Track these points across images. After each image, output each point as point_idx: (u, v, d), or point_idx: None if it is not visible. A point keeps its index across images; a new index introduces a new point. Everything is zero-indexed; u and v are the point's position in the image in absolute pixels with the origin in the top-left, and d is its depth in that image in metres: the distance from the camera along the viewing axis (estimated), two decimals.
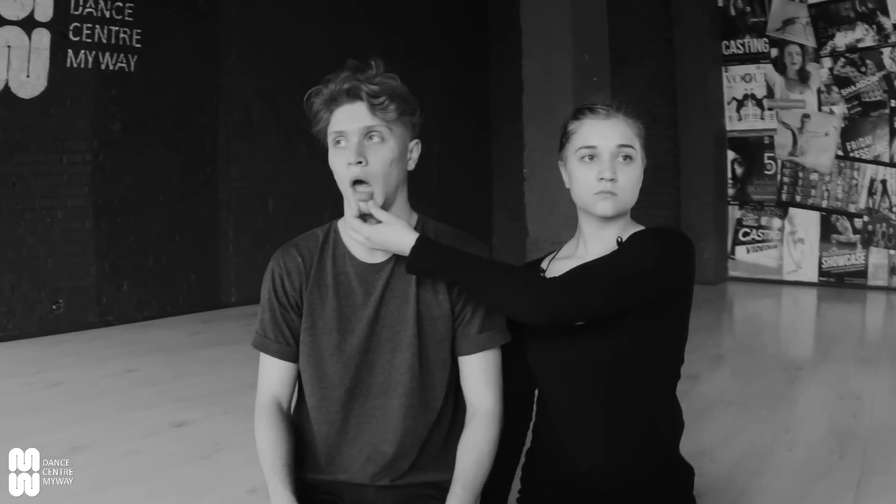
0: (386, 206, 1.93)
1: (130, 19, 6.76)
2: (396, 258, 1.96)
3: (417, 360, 1.96)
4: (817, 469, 3.26)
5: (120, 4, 6.66)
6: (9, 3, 6.06)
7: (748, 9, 9.46)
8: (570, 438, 1.97)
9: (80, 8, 6.46)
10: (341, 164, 1.91)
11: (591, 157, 1.95)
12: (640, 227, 2.00)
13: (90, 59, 6.60)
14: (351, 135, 1.90)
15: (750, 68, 9.57)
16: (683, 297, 1.97)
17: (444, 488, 1.94)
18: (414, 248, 1.86)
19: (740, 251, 9.80)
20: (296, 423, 2.07)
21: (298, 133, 7.84)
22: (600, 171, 1.92)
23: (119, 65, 6.79)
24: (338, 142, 1.92)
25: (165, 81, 7.08)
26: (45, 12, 6.27)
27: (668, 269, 1.89)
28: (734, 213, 9.77)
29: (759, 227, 9.68)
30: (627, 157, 1.94)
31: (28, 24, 6.20)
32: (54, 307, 6.45)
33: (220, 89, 7.54)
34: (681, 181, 9.48)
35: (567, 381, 1.97)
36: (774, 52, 9.37)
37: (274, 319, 2.01)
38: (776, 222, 9.58)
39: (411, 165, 2.01)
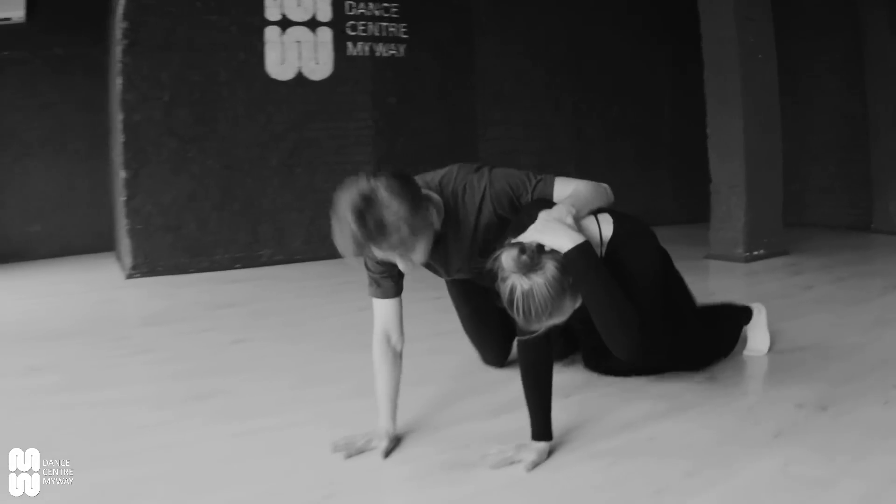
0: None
1: (397, 16, 8.50)
2: None
3: None
4: None
5: (387, 5, 8.44)
6: (295, 9, 8.05)
7: None
8: None
9: (354, 9, 8.30)
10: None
11: None
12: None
13: (366, 49, 8.36)
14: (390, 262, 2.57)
15: None
16: None
17: None
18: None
19: None
20: None
21: (544, 101, 9.03)
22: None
23: (391, 52, 8.48)
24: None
25: (430, 64, 8.63)
26: (324, 14, 8.21)
27: None
28: None
29: None
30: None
31: (312, 24, 8.15)
32: None
33: (476, 68, 8.94)
34: None
35: None
36: None
37: None
38: None
39: (435, 222, 2.55)
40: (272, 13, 7.85)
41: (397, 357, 2.74)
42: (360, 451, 2.57)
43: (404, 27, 8.51)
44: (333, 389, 3.36)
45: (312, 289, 6.29)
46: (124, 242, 7.44)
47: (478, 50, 8.95)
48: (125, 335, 4.92)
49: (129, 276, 7.26)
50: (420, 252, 2.44)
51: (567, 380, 3.33)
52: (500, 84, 9.09)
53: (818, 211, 9.31)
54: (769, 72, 6.82)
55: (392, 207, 2.23)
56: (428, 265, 2.85)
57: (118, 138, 7.41)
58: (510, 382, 2.76)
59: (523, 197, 2.65)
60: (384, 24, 8.41)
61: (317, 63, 8.12)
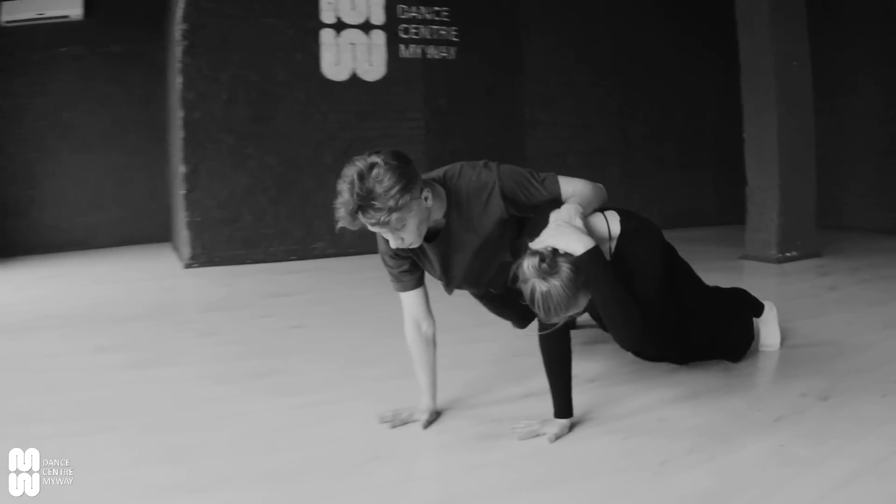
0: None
1: (448, 19, 8.78)
2: None
3: None
4: None
5: (438, 8, 8.72)
6: (350, 13, 8.36)
7: None
8: None
9: (407, 13, 8.59)
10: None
11: None
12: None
13: (418, 52, 8.65)
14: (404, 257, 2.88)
15: None
16: None
17: None
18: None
19: None
20: None
21: (589, 102, 9.26)
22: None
23: (442, 54, 8.76)
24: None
25: (479, 66, 8.90)
26: (378, 18, 8.52)
27: None
28: None
29: None
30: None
31: (366, 26, 8.46)
32: None
33: (523, 69, 9.20)
34: None
35: None
36: None
37: None
38: None
39: (429, 203, 2.64)
40: (327, 16, 8.18)
41: (430, 340, 3.00)
42: (404, 423, 2.89)
43: (455, 30, 8.78)
44: (378, 370, 3.68)
45: (364, 280, 6.57)
46: (183, 234, 7.81)
47: (526, 52, 9.21)
48: (188, 319, 5.33)
49: (188, 266, 7.64)
50: (411, 232, 2.60)
51: (592, 367, 3.63)
52: (548, 86, 9.35)
53: (856, 214, 9.40)
54: (804, 78, 6.97)
55: (384, 182, 2.43)
56: (430, 263, 2.97)
57: (178, 134, 7.81)
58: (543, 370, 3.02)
59: (530, 193, 2.82)
60: (435, 27, 8.69)
61: (370, 65, 8.42)
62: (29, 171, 9.99)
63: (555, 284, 2.48)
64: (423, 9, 8.66)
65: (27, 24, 9.71)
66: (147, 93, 10.15)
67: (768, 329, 3.82)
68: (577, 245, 2.56)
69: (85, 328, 4.98)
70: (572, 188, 2.81)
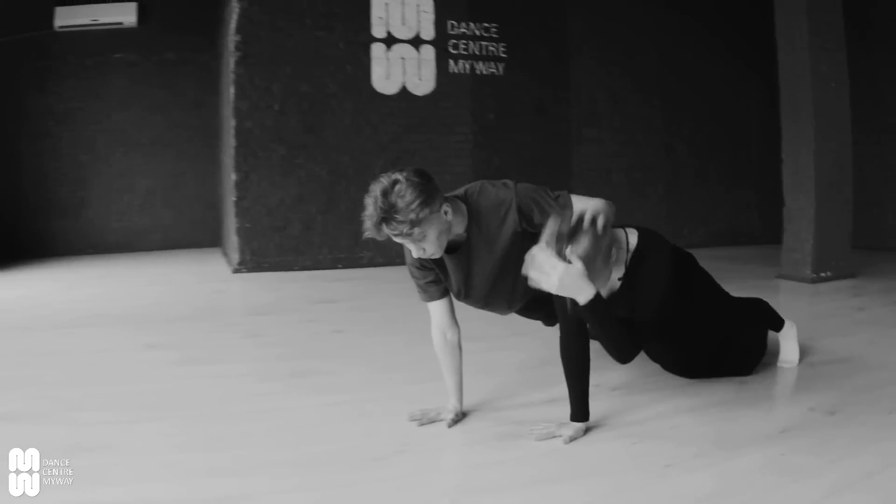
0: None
1: (496, 36, 8.96)
2: None
3: None
4: None
5: (487, 25, 8.90)
6: (400, 28, 8.57)
7: None
8: None
9: (456, 29, 8.76)
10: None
11: None
12: None
13: (467, 67, 8.82)
14: (429, 268, 3.08)
15: None
16: None
17: None
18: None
19: None
20: None
21: (637, 120, 9.35)
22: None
23: (490, 70, 8.93)
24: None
25: (527, 82, 9.06)
26: (428, 33, 8.73)
27: None
28: None
29: None
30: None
31: (416, 42, 8.67)
32: None
33: (570, 86, 9.32)
34: None
35: None
36: None
37: None
38: None
39: (449, 217, 2.82)
40: (378, 31, 8.40)
41: (456, 346, 3.17)
42: (431, 421, 3.07)
43: (503, 46, 8.96)
44: (410, 375, 3.86)
45: (408, 289, 6.64)
46: (232, 239, 8.06)
47: (573, 69, 9.35)
48: (234, 321, 5.56)
49: (236, 271, 7.89)
50: (432, 243, 2.79)
51: (616, 377, 3.75)
52: (594, 102, 9.48)
53: None
54: (842, 100, 7.02)
55: (405, 197, 2.64)
56: (449, 276, 3.13)
57: (230, 143, 8.07)
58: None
59: (544, 210, 2.94)
60: (484, 43, 8.88)
61: (420, 79, 8.61)
62: (80, 173, 10.39)
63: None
64: (472, 25, 8.84)
65: (81, 30, 10.10)
66: (199, 100, 10.50)
67: (788, 345, 3.90)
68: (580, 296, 2.71)
69: (135, 326, 5.24)
70: (584, 204, 2.92)
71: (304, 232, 8.16)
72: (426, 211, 2.68)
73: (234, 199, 8.00)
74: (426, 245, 2.79)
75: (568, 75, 9.38)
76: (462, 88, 8.85)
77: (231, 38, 8.00)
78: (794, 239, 7.06)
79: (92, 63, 10.40)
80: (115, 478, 2.56)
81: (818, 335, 4.55)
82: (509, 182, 3.01)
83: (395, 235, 2.72)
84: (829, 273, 6.96)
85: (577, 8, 9.47)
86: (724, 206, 10.25)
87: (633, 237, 3.05)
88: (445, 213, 2.79)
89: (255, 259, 8.00)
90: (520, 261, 2.84)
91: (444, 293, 3.16)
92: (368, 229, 2.70)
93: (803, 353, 4.02)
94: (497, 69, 8.98)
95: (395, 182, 2.67)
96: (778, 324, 3.85)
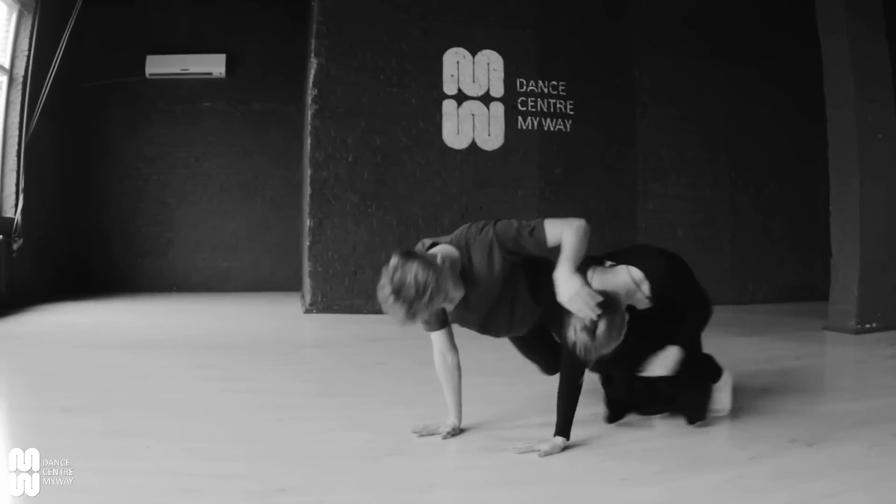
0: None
1: (564, 93, 9.30)
2: None
3: None
4: None
5: (555, 83, 9.25)
6: (470, 85, 9.01)
7: None
8: None
9: (525, 86, 9.16)
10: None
11: None
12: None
13: (535, 123, 9.18)
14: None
15: None
16: None
17: None
18: None
19: None
20: None
21: (702, 176, 9.52)
22: None
23: (558, 127, 9.26)
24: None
25: (594, 138, 9.35)
26: (497, 90, 9.13)
27: None
28: None
29: None
30: None
31: (485, 98, 9.08)
32: None
33: (637, 143, 9.57)
34: None
35: None
36: None
37: None
38: None
39: (447, 265, 3.09)
40: (449, 88, 8.82)
41: (455, 368, 3.53)
42: (431, 434, 3.45)
43: (571, 104, 9.27)
44: (437, 398, 4.08)
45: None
46: (306, 282, 8.49)
47: (639, 126, 9.59)
48: (287, 352, 6.03)
49: (307, 312, 8.32)
50: (452, 299, 3.15)
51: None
52: (660, 158, 9.68)
53: None
54: (889, 151, 7.13)
55: (423, 292, 2.91)
56: (458, 316, 3.48)
57: (306, 190, 8.50)
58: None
59: (520, 245, 3.20)
60: (552, 100, 9.21)
61: (489, 135, 8.99)
62: (169, 215, 11.10)
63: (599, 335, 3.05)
64: (541, 83, 9.20)
65: (171, 78, 10.85)
66: (285, 149, 11.16)
67: (722, 394, 3.88)
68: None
69: (194, 350, 5.83)
70: (558, 235, 3.19)
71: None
72: (440, 296, 2.99)
73: (308, 243, 8.46)
74: (447, 303, 3.15)
75: (634, 131, 9.61)
76: (530, 144, 9.18)
77: (309, 92, 8.54)
78: (841, 291, 7.13)
79: (182, 110, 11.18)
80: (143, 455, 3.06)
81: (837, 377, 4.69)
82: (489, 226, 3.25)
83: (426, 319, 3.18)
84: (874, 324, 6.98)
85: (644, 65, 9.71)
86: (790, 263, 10.23)
87: (634, 271, 3.42)
88: (444, 265, 3.05)
89: (326, 301, 8.41)
90: (512, 287, 3.25)
91: (445, 323, 3.48)
92: (399, 321, 2.99)
93: (813, 394, 4.18)
94: (564, 126, 9.29)
95: (402, 284, 2.91)
96: (717, 374, 3.86)
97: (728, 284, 9.71)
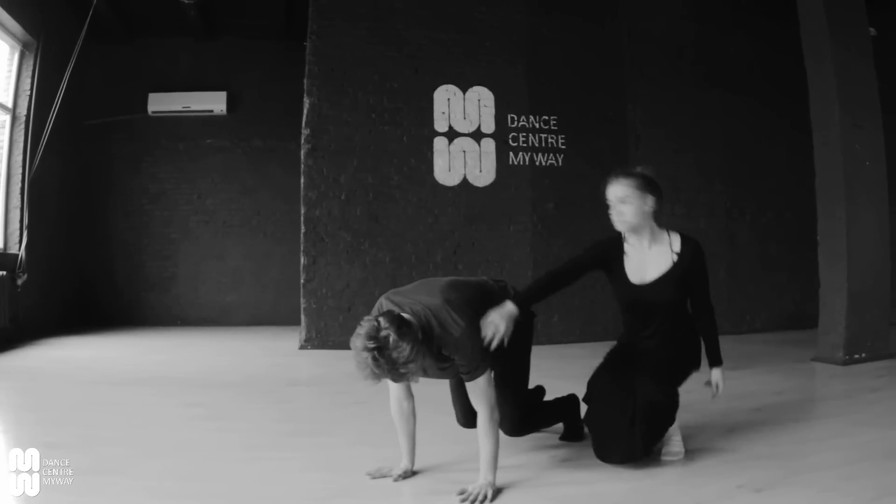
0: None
1: (556, 128, 9.39)
2: None
3: None
4: None
5: (546, 117, 9.34)
6: (461, 122, 9.12)
7: None
8: None
9: (516, 122, 9.25)
10: None
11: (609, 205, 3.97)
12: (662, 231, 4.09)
13: (527, 158, 9.27)
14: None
15: None
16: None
17: None
18: None
19: None
20: None
21: (697, 206, 9.53)
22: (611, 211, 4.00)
23: (550, 161, 9.34)
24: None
25: (587, 172, 9.34)
26: (488, 127, 9.24)
27: None
28: None
29: None
30: (623, 201, 3.90)
31: (476, 135, 9.19)
32: None
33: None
34: None
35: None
36: None
37: None
38: None
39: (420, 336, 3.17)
40: (440, 125, 8.93)
41: (410, 414, 3.64)
42: (383, 476, 3.57)
43: (563, 138, 9.35)
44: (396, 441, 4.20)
45: None
46: (302, 318, 8.56)
47: (632, 157, 9.60)
48: (272, 390, 6.13)
49: (302, 347, 8.42)
50: (423, 364, 3.21)
51: (570, 452, 4.04)
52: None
53: None
54: (877, 179, 7.11)
55: (403, 353, 2.99)
56: None
57: (301, 228, 8.61)
58: (516, 452, 3.85)
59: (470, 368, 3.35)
60: (544, 135, 9.28)
61: (480, 171, 9.09)
62: (172, 250, 11.32)
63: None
64: (532, 118, 9.28)
65: (173, 116, 11.06)
66: (286, 185, 11.30)
67: (674, 437, 3.90)
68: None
69: (186, 388, 6.05)
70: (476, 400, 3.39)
71: (367, 313, 8.57)
72: (420, 358, 3.08)
73: (303, 280, 8.58)
74: (420, 369, 3.21)
75: (628, 164, 9.57)
76: (522, 179, 9.23)
77: (302, 132, 8.68)
78: (829, 321, 7.05)
79: (184, 147, 11.41)
80: (106, 492, 3.15)
81: (808, 416, 4.69)
82: (461, 330, 3.32)
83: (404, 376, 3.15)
84: (863, 354, 6.90)
85: (637, 96, 9.77)
86: (788, 291, 10.18)
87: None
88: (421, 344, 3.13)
89: (320, 337, 8.51)
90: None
91: None
92: (363, 376, 3.06)
93: (780, 434, 4.19)
94: (556, 160, 9.35)
95: (384, 346, 2.98)
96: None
97: (725, 315, 9.67)
